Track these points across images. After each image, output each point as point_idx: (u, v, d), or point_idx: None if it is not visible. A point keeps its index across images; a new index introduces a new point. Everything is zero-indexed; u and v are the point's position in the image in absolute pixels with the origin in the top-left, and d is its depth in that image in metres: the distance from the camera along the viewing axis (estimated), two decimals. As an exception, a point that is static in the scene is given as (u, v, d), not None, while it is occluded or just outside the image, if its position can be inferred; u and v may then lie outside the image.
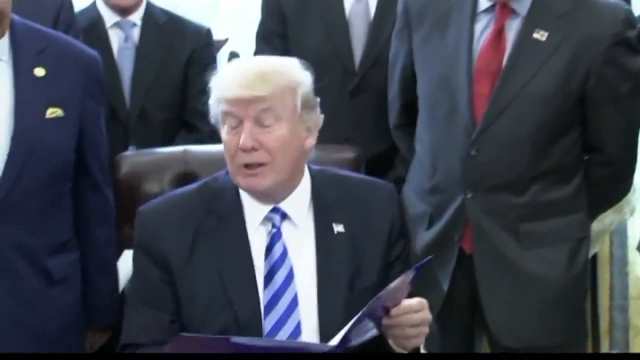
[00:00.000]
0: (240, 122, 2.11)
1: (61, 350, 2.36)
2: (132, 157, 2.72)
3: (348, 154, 2.71)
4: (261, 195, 2.17)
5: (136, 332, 2.16)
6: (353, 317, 2.11)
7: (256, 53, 3.15)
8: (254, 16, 3.31)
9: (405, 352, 2.08)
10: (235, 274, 2.14)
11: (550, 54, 2.39)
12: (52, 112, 2.29)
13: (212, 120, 2.20)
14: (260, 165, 2.11)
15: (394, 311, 2.03)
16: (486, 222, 2.44)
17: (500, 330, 2.48)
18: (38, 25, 2.39)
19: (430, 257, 2.08)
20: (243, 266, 2.14)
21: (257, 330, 2.10)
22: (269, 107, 2.10)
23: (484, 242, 2.46)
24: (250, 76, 2.12)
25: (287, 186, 2.18)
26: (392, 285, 1.99)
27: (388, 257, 2.23)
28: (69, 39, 2.46)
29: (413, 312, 2.05)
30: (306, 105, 2.16)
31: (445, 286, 2.49)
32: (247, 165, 2.11)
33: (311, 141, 2.19)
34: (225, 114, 2.13)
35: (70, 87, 2.33)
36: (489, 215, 2.44)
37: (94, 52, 2.44)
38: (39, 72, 2.29)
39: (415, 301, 2.06)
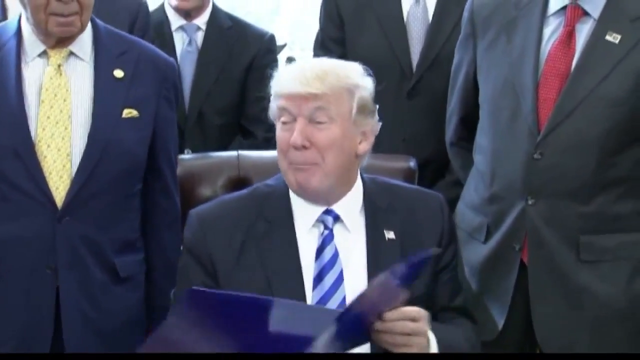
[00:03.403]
0: (294, 119, 2.14)
1: (123, 349, 2.39)
2: (186, 161, 2.74)
3: (401, 163, 2.70)
4: (311, 195, 2.18)
5: None
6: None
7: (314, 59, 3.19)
8: (312, 22, 3.35)
9: None
10: (283, 279, 2.15)
11: (622, 57, 2.36)
12: (128, 113, 2.37)
13: (270, 116, 2.23)
14: (310, 164, 2.13)
15: (387, 315, 2.00)
16: (545, 231, 2.40)
17: (548, 344, 2.43)
18: (118, 30, 2.48)
19: (429, 252, 2.02)
20: (291, 271, 2.16)
21: None
22: (323, 107, 2.13)
23: (540, 251, 2.42)
24: (309, 74, 2.15)
25: (339, 189, 2.20)
26: (378, 281, 1.93)
27: (436, 267, 2.24)
28: (148, 44, 2.54)
29: (408, 319, 2.02)
30: (363, 110, 2.18)
31: (507, 300, 2.45)
32: (297, 164, 2.14)
33: (365, 146, 2.21)
34: (281, 109, 2.16)
35: (146, 90, 2.40)
36: (549, 224, 2.40)
37: (170, 59, 2.51)
38: (118, 73, 2.37)
39: (414, 309, 2.03)
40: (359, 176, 2.26)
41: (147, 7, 3.08)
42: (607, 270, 2.41)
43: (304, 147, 2.12)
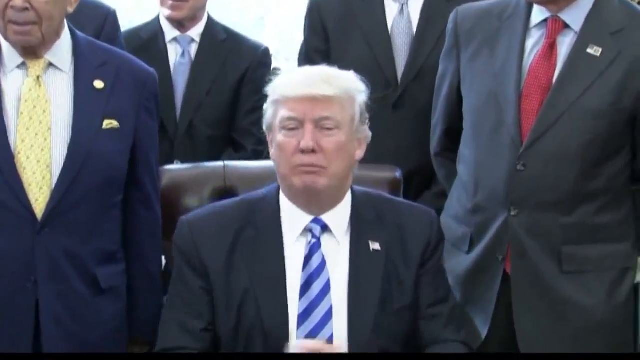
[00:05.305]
0: (301, 124, 2.15)
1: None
2: (172, 171, 2.76)
3: (386, 173, 2.71)
4: (311, 199, 2.20)
5: (170, 337, 2.21)
6: (382, 336, 2.15)
7: None
8: (297, 33, 3.35)
9: None
10: (267, 284, 2.18)
11: (604, 69, 2.38)
12: (108, 124, 2.36)
13: (264, 125, 2.24)
14: (318, 166, 2.15)
15: None
16: (528, 242, 2.41)
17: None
18: (99, 41, 2.48)
19: None
20: (275, 277, 2.18)
21: (284, 340, 2.14)
22: (330, 116, 2.15)
23: (523, 262, 2.43)
24: (315, 77, 2.18)
25: (333, 197, 2.23)
26: None
27: (419, 276, 2.25)
28: (128, 55, 2.53)
29: None
30: (361, 117, 2.23)
31: (490, 310, 2.46)
32: (305, 166, 2.15)
33: (360, 154, 2.25)
34: (287, 118, 2.16)
35: (126, 100, 2.40)
36: (532, 235, 2.41)
37: (151, 69, 2.50)
38: (98, 84, 2.37)
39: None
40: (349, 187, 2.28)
41: (115, 16, 3.06)
42: (588, 281, 2.42)
43: (313, 151, 2.14)
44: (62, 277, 2.32)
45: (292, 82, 2.19)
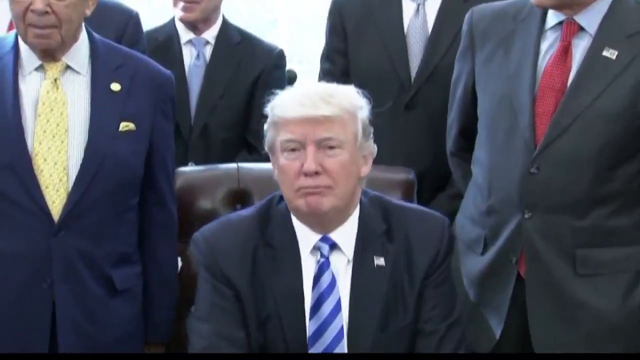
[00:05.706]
0: (302, 146, 2.11)
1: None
2: (185, 173, 2.76)
3: (400, 175, 2.70)
4: (318, 220, 2.17)
5: (211, 347, 2.14)
6: (382, 354, 2.11)
7: (320, 71, 3.22)
8: (310, 35, 3.34)
9: None
10: (287, 304, 2.15)
11: (619, 72, 2.36)
12: (125, 126, 2.38)
13: (266, 146, 2.20)
14: (322, 187, 2.11)
15: None
16: (542, 245, 2.41)
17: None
18: (115, 44, 2.50)
19: None
20: (294, 297, 2.15)
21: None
22: (332, 136, 2.11)
23: (537, 264, 2.42)
24: (314, 97, 2.12)
25: (341, 215, 2.19)
26: None
27: (422, 288, 2.21)
28: (145, 57, 2.55)
29: None
30: (364, 133, 2.18)
31: (504, 312, 2.45)
32: (308, 188, 2.11)
33: (366, 170, 2.20)
34: (287, 141, 2.12)
35: (143, 103, 2.42)
36: (546, 238, 2.40)
37: (167, 72, 2.52)
38: (115, 87, 2.39)
39: None
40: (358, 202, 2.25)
41: (138, 19, 3.06)
42: (603, 284, 2.41)
43: (316, 173, 2.10)
44: (77, 279, 2.34)
45: (290, 102, 2.14)
